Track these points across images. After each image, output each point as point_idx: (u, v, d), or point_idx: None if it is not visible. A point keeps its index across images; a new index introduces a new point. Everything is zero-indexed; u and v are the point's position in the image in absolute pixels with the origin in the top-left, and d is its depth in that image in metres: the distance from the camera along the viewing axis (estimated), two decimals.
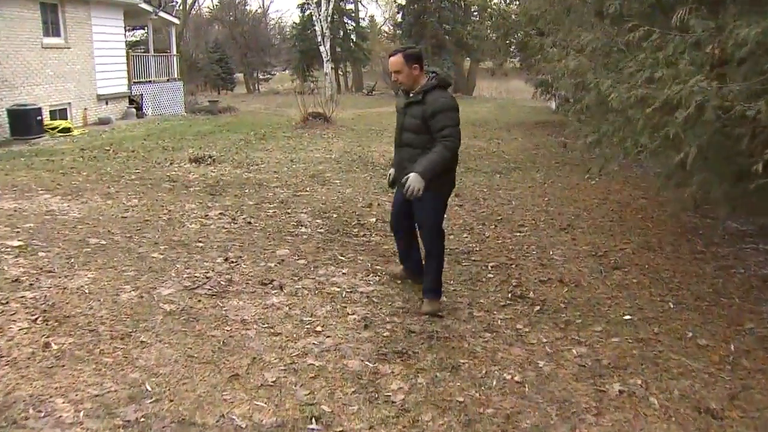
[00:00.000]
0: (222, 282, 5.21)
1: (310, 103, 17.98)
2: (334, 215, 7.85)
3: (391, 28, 59.08)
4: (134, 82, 20.89)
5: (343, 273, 5.65)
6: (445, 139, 4.34)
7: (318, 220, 7.56)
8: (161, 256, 5.79)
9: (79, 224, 6.79)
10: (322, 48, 28.72)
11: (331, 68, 30.28)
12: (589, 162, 10.33)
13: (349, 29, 40.18)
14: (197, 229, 6.83)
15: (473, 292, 5.43)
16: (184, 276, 5.30)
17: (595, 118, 8.01)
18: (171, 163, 11.36)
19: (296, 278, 5.44)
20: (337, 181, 10.18)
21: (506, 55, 20.76)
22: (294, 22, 42.09)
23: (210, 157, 11.79)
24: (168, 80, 23.15)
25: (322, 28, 28.33)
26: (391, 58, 4.49)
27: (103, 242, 6.14)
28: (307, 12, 37.82)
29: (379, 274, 5.65)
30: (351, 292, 5.20)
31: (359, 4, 42.41)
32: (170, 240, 6.33)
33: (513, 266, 6.22)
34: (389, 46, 43.40)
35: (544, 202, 9.20)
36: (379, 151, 13.70)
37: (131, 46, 35.56)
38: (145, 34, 34.53)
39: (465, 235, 7.31)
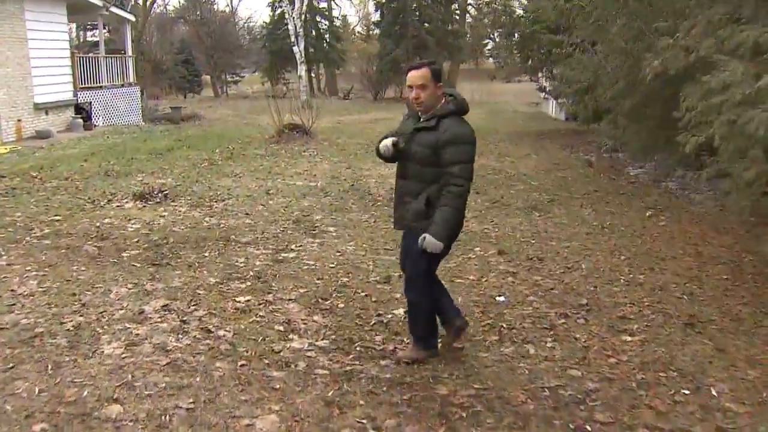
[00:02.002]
0: None
1: (283, 109, 15.04)
2: (340, 305, 5.05)
3: (365, 28, 56.40)
4: (81, 88, 17.80)
5: None
6: (455, 180, 3.65)
7: (316, 319, 4.77)
8: None
9: None
10: (295, 48, 25.82)
11: (305, 70, 27.33)
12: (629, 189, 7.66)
13: (323, 29, 37.24)
14: (115, 362, 3.94)
15: None
16: None
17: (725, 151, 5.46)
18: (109, 201, 8.45)
19: None
20: (332, 229, 7.38)
21: (511, 56, 18.05)
22: (264, 22, 39.09)
23: (162, 191, 8.87)
24: (123, 85, 20.07)
25: (295, 27, 25.42)
26: (415, 72, 3.72)
27: None
28: (279, 10, 34.86)
29: None
30: None
31: (332, 3, 39.55)
32: (59, 400, 3.45)
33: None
34: (363, 47, 40.61)
35: (622, 263, 6.52)
36: (374, 176, 10.91)
37: (91, 47, 32.32)
38: (107, 34, 31.32)
39: (548, 340, 4.57)
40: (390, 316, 4.89)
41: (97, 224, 7.20)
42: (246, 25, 50.64)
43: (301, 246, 6.65)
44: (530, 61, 17.99)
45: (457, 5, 33.71)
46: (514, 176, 11.06)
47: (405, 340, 4.46)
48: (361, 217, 8.04)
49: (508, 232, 7.59)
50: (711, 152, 11.25)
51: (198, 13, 43.51)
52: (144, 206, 8.17)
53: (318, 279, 5.62)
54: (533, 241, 7.25)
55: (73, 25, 30.60)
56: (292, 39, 25.88)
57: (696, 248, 7.14)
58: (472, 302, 5.27)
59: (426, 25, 30.03)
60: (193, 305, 4.87)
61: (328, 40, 37.32)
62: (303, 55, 26.04)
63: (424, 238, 3.66)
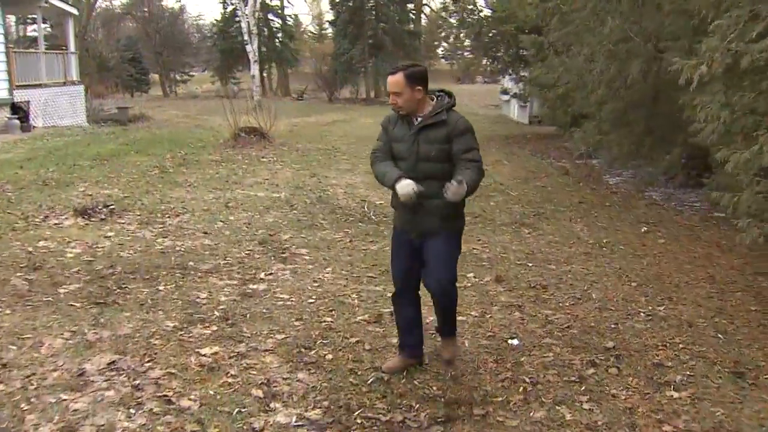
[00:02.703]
0: None
1: (236, 110, 13.93)
2: (327, 356, 4.15)
3: (317, 27, 55.26)
4: (19, 86, 16.34)
5: None
6: (475, 163, 3.59)
7: (301, 377, 3.85)
8: None
9: None
10: (248, 47, 24.66)
11: (258, 70, 26.17)
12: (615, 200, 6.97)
13: (275, 27, 36.00)
14: None
15: None
16: None
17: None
18: (45, 218, 7.34)
19: None
20: (304, 251, 6.45)
21: (485, 56, 17.29)
22: (215, 19, 37.57)
23: (107, 205, 7.79)
24: (65, 83, 18.64)
25: (248, 25, 24.27)
26: (390, 78, 3.60)
27: None
28: (230, 8, 33.52)
29: None
30: None
31: (285, 0, 38.25)
32: None
33: None
34: (317, 46, 39.59)
35: (635, 291, 5.80)
36: (341, 186, 10.01)
37: (31, 43, 30.49)
38: (49, 29, 29.56)
39: (583, 400, 3.80)
40: (391, 376, 3.99)
41: (30, 249, 6.10)
42: (195, 22, 49.01)
43: (271, 275, 5.70)
44: (496, 63, 17.28)
45: (413, 5, 32.95)
46: (491, 186, 10.27)
47: (413, 404, 3.60)
48: (335, 236, 7.13)
49: (500, 253, 6.79)
50: (704, 167, 10.73)
51: (146, 9, 41.73)
52: (86, 224, 7.09)
53: (297, 320, 4.69)
54: (530, 265, 6.46)
55: (12, 19, 28.76)
56: (245, 37, 24.72)
57: (706, 271, 6.46)
58: (483, 348, 4.43)
59: (382, 24, 29.16)
60: (148, 361, 3.89)
61: (280, 39, 36.12)
62: (256, 54, 24.88)
63: (460, 182, 3.43)
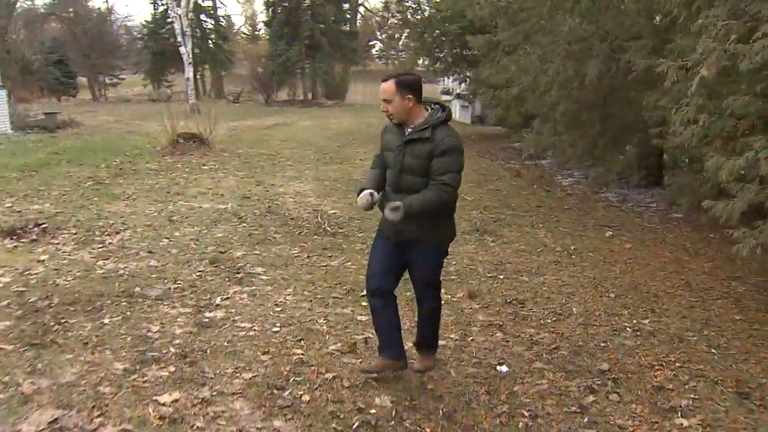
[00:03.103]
0: None
1: (172, 114, 13.18)
2: (304, 397, 3.68)
3: (250, 28, 54.18)
4: None
5: None
6: (444, 187, 3.55)
7: (277, 426, 3.38)
8: None
9: None
10: (182, 49, 23.74)
11: (193, 72, 25.24)
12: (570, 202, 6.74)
13: (208, 29, 34.93)
14: None
15: None
16: None
17: None
18: None
19: None
20: (260, 271, 5.95)
21: (428, 56, 16.92)
22: (145, 20, 36.15)
23: (38, 223, 7.10)
24: None
25: (181, 26, 23.33)
26: (383, 85, 3.59)
27: None
28: (161, 8, 32.31)
29: None
30: None
31: (217, 1, 37.15)
32: None
33: None
34: (249, 48, 38.68)
35: (615, 303, 5.56)
36: (290, 194, 9.50)
37: None
38: None
39: None
40: (374, 411, 3.55)
41: None
42: (124, 23, 47.24)
43: (228, 299, 5.17)
44: (439, 63, 16.98)
45: (348, 4, 32.45)
46: None
47: None
48: (291, 251, 6.63)
49: (468, 265, 6.42)
50: (658, 167, 10.66)
51: (71, 9, 39.89)
52: (15, 246, 6.39)
53: (263, 353, 4.19)
54: (501, 277, 6.11)
55: None
56: (179, 39, 23.78)
57: (680, 278, 6.26)
58: (472, 378, 4.04)
59: (319, 25, 28.57)
60: (98, 416, 3.34)
61: (213, 41, 35.07)
62: (191, 55, 23.97)
63: (396, 208, 3.49)
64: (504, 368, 4.21)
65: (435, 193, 3.55)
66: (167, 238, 6.88)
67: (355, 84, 36.95)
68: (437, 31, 15.21)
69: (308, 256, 6.47)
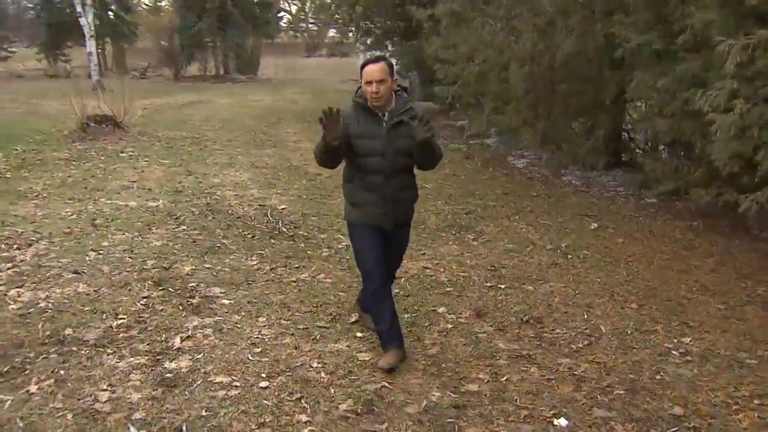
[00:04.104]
0: None
1: (75, 92, 11.51)
2: None
3: (152, 0, 50.88)
4: None
5: None
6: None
7: None
8: None
9: None
10: (82, 20, 21.52)
11: (95, 46, 23.03)
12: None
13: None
14: None
15: None
16: None
17: None
18: None
19: None
20: (218, 292, 4.85)
21: (356, 29, 15.75)
22: None
23: None
24: None
25: None
26: (374, 66, 3.58)
27: None
28: None
29: None
30: None
31: None
32: None
33: None
34: (151, 20, 36.14)
35: (644, 317, 4.84)
36: (227, 184, 8.32)
37: None
38: None
39: None
40: None
41: None
42: None
43: (189, 338, 4.04)
44: (367, 36, 15.87)
45: None
46: None
47: None
48: (249, 263, 5.52)
49: (459, 272, 5.52)
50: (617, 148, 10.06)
51: None
52: None
53: (257, 427, 3.12)
54: (502, 287, 5.26)
55: None
56: (78, 9, 21.54)
57: (692, 279, 5.66)
58: None
59: None
60: None
61: (115, 12, 32.43)
62: (92, 27, 21.79)
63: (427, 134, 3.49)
64: (563, 421, 3.35)
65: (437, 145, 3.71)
66: (94, 250, 5.60)
67: (265, 58, 35.17)
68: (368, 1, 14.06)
69: (271, 269, 5.38)
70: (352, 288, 5.02)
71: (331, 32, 66.04)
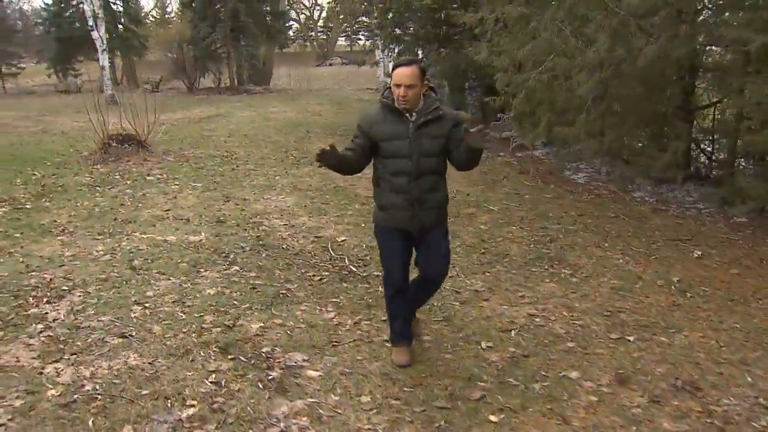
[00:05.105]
0: None
1: (89, 108, 10.57)
2: None
3: (159, 11, 50.27)
4: None
5: None
6: None
7: None
8: None
9: None
10: (95, 34, 20.74)
11: (108, 60, 22.21)
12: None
13: (118, 12, 31.44)
14: None
15: None
16: None
17: None
18: None
19: None
20: (302, 361, 3.99)
21: (385, 36, 14.82)
22: (45, 3, 32.18)
23: None
24: None
25: (93, 8, 20.31)
26: (405, 69, 3.49)
27: None
28: None
29: None
30: None
31: None
32: None
33: None
34: (160, 32, 35.35)
35: None
36: (272, 212, 7.43)
37: None
38: None
39: None
40: None
41: None
42: (19, 6, 42.48)
43: None
44: (395, 44, 14.95)
45: None
46: (457, 198, 8.01)
47: None
48: (326, 316, 4.62)
49: (571, 320, 4.65)
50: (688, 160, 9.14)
51: None
52: None
53: None
54: (630, 339, 4.38)
55: None
56: (90, 23, 20.74)
57: None
58: None
59: (242, 5, 25.86)
60: None
61: (124, 25, 31.62)
62: (105, 42, 20.98)
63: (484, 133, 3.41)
64: None
65: None
66: (139, 303, 4.71)
67: (277, 68, 34.35)
68: (400, 5, 13.14)
69: (354, 323, 4.48)
70: (457, 349, 4.11)
71: (341, 40, 65.59)
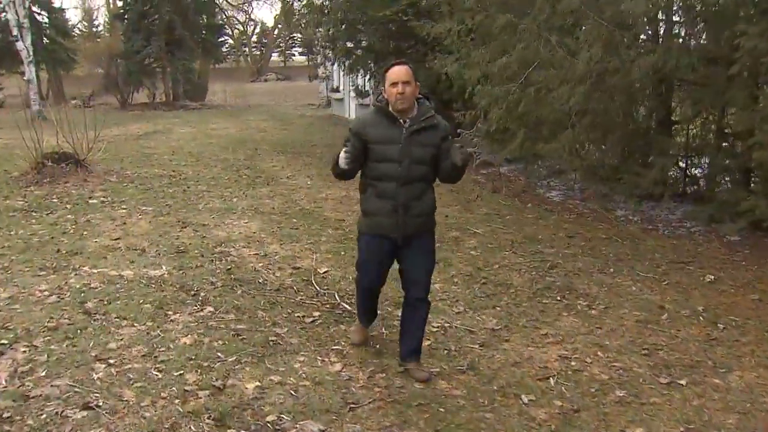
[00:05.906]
0: None
1: (16, 124, 9.53)
2: None
3: (86, 25, 48.11)
4: None
5: None
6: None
7: None
8: None
9: None
10: (20, 44, 19.28)
11: (35, 73, 20.73)
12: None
13: (44, 23, 29.67)
14: None
15: None
16: None
17: None
18: None
19: None
20: None
21: (334, 50, 14.13)
22: None
23: None
24: None
25: (18, 18, 18.89)
26: (399, 67, 3.52)
27: None
28: None
29: None
30: None
31: None
32: None
33: None
34: (95, 45, 33.75)
35: None
36: (237, 239, 6.67)
37: None
38: None
39: None
40: None
41: None
42: None
43: None
44: (345, 59, 14.29)
45: None
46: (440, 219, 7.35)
47: None
48: (331, 368, 3.91)
49: (608, 361, 4.11)
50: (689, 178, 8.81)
51: None
52: None
53: None
54: (682, 382, 3.89)
55: None
56: (14, 32, 19.27)
57: None
58: None
59: (178, 17, 24.70)
60: None
61: (51, 37, 29.85)
62: (31, 52, 19.53)
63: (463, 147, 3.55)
64: None
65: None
66: (101, 360, 3.86)
67: (212, 84, 33.19)
68: (352, 18, 12.50)
69: (368, 377, 3.78)
70: (496, 405, 3.46)
71: (274, 56, 64.54)
